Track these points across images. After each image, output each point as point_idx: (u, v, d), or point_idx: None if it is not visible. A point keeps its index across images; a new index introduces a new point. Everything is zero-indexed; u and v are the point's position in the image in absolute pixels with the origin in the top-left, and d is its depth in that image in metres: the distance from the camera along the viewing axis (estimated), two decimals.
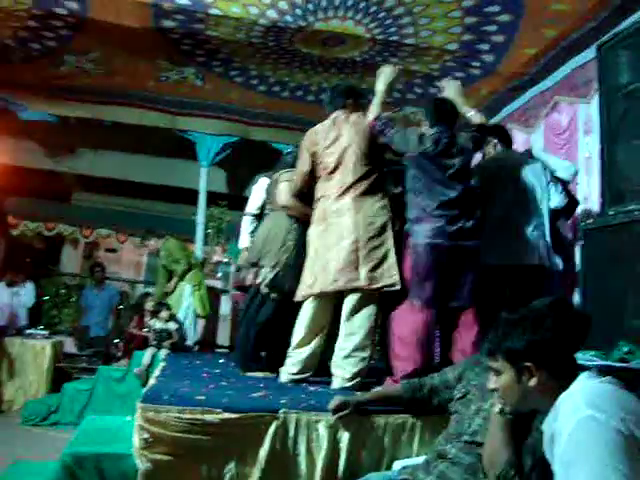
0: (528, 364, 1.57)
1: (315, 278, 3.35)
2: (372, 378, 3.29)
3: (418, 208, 3.21)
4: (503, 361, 1.62)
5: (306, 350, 3.39)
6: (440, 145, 3.22)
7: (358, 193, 3.34)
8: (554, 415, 1.51)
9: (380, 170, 3.45)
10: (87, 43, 5.48)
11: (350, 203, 3.33)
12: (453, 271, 3.15)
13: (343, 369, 3.21)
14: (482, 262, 3.45)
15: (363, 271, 3.21)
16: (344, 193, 3.36)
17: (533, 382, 1.57)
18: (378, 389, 3.06)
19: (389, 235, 3.31)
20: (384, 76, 3.57)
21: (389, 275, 3.22)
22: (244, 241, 4.38)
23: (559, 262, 3.67)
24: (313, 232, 3.48)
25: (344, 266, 3.23)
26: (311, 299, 3.40)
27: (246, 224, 4.44)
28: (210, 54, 5.60)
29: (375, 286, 3.21)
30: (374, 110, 3.46)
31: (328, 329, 3.46)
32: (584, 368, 1.59)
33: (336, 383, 3.21)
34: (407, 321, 3.17)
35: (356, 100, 3.64)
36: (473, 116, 3.47)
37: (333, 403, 2.43)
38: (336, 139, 3.45)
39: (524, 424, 1.82)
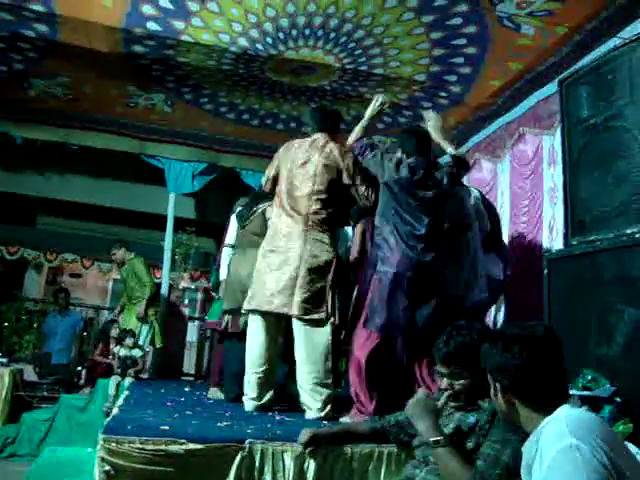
0: (497, 384, 1.61)
1: (254, 294, 3.43)
2: (339, 406, 3.29)
3: (386, 235, 3.24)
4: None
5: (259, 371, 3.42)
6: (416, 175, 3.26)
7: (310, 224, 3.40)
8: (536, 439, 1.49)
9: (336, 207, 3.49)
10: (55, 67, 5.43)
11: (301, 232, 3.39)
12: (415, 300, 3.17)
13: (314, 400, 3.24)
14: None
15: (296, 299, 3.28)
16: (298, 221, 3.41)
17: (500, 400, 1.61)
18: (346, 421, 3.06)
19: (330, 272, 3.36)
20: (374, 102, 3.69)
21: (320, 310, 3.28)
22: (224, 273, 4.35)
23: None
24: (262, 250, 3.54)
25: (281, 290, 3.31)
26: (253, 317, 3.48)
27: (225, 256, 4.41)
28: (180, 80, 5.59)
29: (305, 317, 3.27)
30: (357, 131, 3.56)
31: (279, 350, 3.52)
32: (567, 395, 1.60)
33: (310, 414, 3.25)
34: (364, 351, 3.19)
35: (340, 126, 3.75)
36: (452, 150, 3.53)
37: (303, 437, 2.39)
38: (304, 163, 3.49)
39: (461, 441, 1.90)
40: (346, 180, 3.46)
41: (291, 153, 3.58)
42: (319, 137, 3.58)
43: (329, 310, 3.28)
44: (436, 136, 3.52)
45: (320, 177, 3.42)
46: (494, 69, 4.73)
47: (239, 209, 4.25)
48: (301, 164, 3.49)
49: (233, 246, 4.33)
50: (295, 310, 3.26)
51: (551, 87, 4.54)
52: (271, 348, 3.46)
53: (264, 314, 3.43)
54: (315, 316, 3.26)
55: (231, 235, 4.39)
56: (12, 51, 5.18)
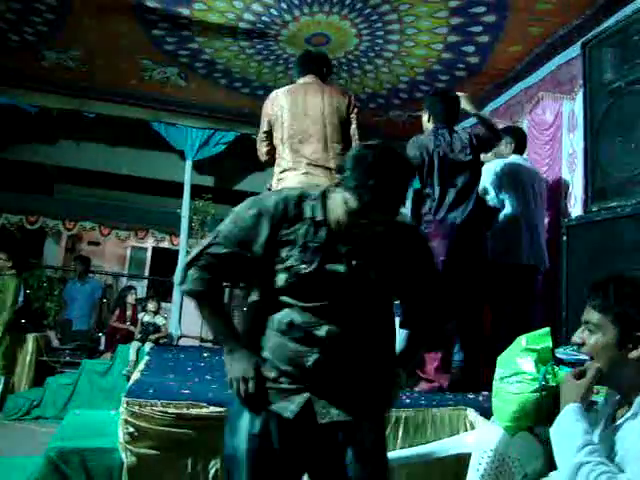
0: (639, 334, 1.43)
1: None
2: None
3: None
4: (610, 320, 1.46)
5: None
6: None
7: (330, 168, 3.16)
8: None
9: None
10: (67, 40, 5.43)
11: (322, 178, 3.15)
12: None
13: None
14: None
15: None
16: (316, 167, 3.20)
17: (635, 354, 1.43)
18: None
19: None
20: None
21: None
22: None
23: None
24: None
25: None
26: None
27: None
28: (194, 55, 5.56)
29: None
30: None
31: None
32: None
33: None
34: None
35: (328, 70, 3.56)
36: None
37: None
38: (310, 106, 3.29)
39: None
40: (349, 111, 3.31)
41: (282, 101, 3.35)
42: (310, 79, 3.41)
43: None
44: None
45: (333, 116, 3.25)
46: (513, 35, 4.61)
47: None
48: (304, 107, 3.28)
49: None
50: None
51: (572, 51, 4.44)
52: None
53: None
54: None
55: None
56: (24, 23, 5.16)
